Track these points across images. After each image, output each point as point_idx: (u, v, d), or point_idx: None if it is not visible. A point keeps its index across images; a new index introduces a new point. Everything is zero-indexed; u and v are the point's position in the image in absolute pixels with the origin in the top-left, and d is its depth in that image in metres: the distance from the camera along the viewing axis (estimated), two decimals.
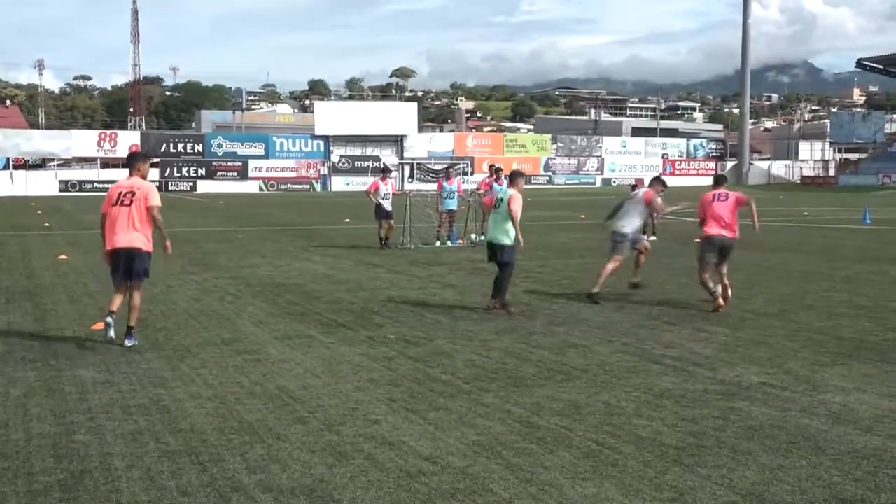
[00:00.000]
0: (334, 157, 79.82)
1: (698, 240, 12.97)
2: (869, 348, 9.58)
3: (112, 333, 9.69)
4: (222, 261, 18.64)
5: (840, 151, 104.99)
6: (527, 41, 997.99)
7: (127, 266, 9.75)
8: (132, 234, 9.71)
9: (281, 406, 7.24)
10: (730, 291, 12.58)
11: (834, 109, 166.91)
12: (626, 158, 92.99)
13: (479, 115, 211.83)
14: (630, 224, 13.73)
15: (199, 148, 76.37)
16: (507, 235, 12.03)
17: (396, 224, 22.26)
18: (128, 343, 9.70)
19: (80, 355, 9.26)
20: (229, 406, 7.25)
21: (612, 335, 10.37)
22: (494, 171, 23.12)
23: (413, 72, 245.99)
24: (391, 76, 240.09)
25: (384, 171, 23.75)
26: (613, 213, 14.27)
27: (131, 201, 9.73)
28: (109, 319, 9.74)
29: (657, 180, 14.61)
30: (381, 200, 21.85)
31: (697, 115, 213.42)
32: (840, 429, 6.60)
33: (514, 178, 12.52)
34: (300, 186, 76.94)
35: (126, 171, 10.22)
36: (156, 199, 9.83)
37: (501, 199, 12.23)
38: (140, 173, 10.03)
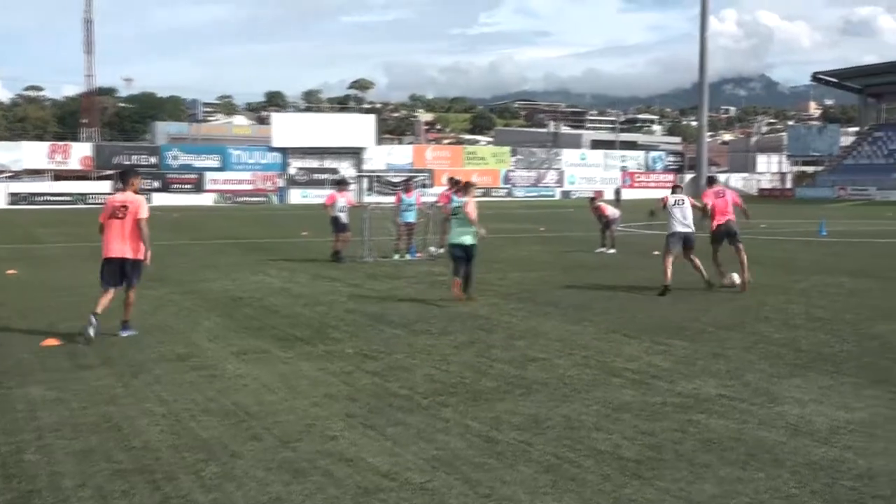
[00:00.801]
0: (291, 170, 79.46)
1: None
2: (825, 360, 9.71)
3: (92, 332, 10.57)
4: (177, 275, 18.46)
5: (797, 164, 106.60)
6: (485, 53, 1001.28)
7: (121, 273, 10.98)
8: (124, 245, 10.92)
9: (236, 422, 7.18)
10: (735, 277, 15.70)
11: (790, 123, 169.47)
12: (586, 171, 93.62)
13: (438, 127, 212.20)
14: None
15: (153, 160, 75.69)
16: (471, 236, 14.41)
17: (355, 237, 22.21)
18: (124, 334, 10.93)
19: (30, 372, 9.11)
20: (183, 423, 7.17)
21: (571, 348, 10.41)
22: (454, 183, 23.16)
23: (371, 83, 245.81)
24: (349, 88, 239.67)
25: (341, 184, 23.71)
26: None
27: (124, 215, 10.92)
28: (92, 318, 10.66)
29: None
30: (337, 213, 21.81)
31: (656, 127, 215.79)
32: (797, 441, 6.68)
33: (467, 187, 15.34)
34: (257, 199, 76.47)
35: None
36: (144, 213, 10.95)
37: (458, 208, 14.67)
38: (133, 188, 11.19)
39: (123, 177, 11.50)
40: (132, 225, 10.91)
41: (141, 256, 10.98)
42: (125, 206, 10.96)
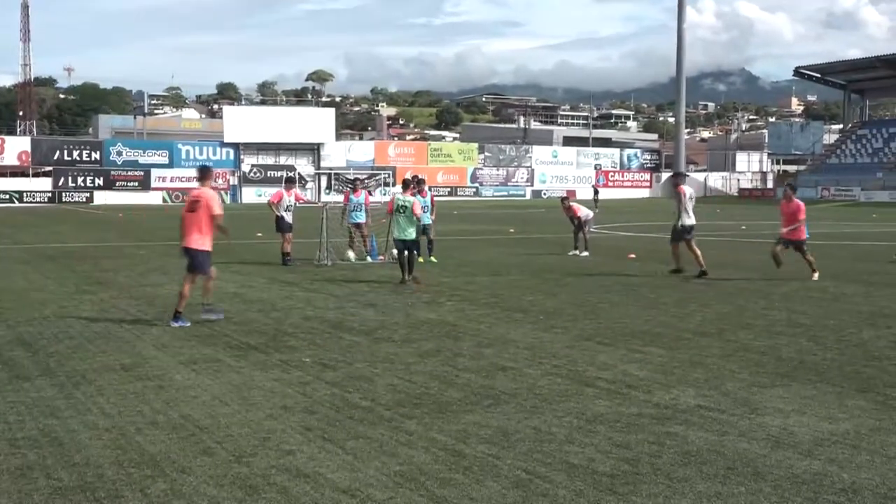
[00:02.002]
0: (245, 167, 79.18)
1: None
2: (808, 368, 9.82)
3: (213, 317, 12.84)
4: (122, 279, 18.31)
5: (778, 163, 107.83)
6: (451, 45, 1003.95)
7: (191, 261, 12.80)
8: (194, 237, 12.71)
9: (186, 436, 7.13)
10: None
11: (772, 119, 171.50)
12: (558, 169, 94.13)
13: (401, 122, 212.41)
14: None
15: (96, 156, 75.09)
16: (415, 231, 17.54)
17: (313, 239, 22.15)
18: (212, 317, 12.83)
19: None
20: (129, 437, 7.11)
21: (542, 357, 10.45)
22: (416, 182, 23.20)
23: (330, 75, 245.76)
24: (307, 80, 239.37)
25: (289, 182, 23.71)
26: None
27: (197, 209, 12.72)
28: (204, 307, 12.91)
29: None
30: (283, 213, 21.77)
31: (631, 123, 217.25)
32: (779, 453, 6.75)
33: (419, 185, 18.64)
34: None
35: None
36: (217, 209, 12.75)
37: (404, 206, 17.41)
38: (208, 184, 13.29)
39: (201, 173, 13.68)
40: (205, 218, 12.64)
41: (208, 248, 12.79)
42: (198, 201, 12.76)
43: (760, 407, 8.13)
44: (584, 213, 24.77)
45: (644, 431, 7.32)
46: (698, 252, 18.74)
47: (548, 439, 7.09)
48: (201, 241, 12.77)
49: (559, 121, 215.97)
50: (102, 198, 72.23)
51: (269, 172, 78.74)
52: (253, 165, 79.33)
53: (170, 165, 76.59)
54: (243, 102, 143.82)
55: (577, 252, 24.04)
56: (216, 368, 9.75)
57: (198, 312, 12.84)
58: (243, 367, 9.85)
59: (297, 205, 22.63)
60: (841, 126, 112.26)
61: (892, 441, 7.06)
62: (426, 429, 7.38)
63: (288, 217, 21.83)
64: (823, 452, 6.77)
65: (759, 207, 68.47)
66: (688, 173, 19.62)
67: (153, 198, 73.48)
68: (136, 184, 74.71)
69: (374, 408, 8.07)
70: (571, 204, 25.02)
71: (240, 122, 79.07)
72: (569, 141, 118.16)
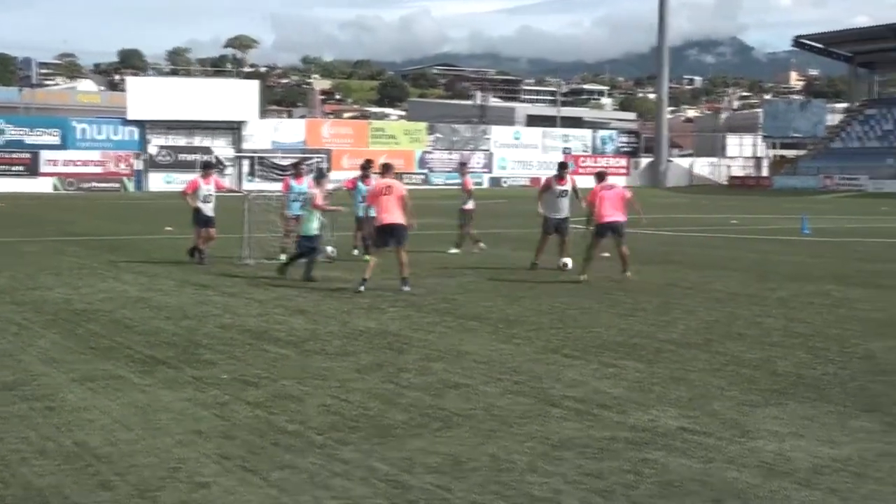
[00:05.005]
0: (152, 149, 78.41)
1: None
2: (807, 385, 9.96)
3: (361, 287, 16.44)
4: (3, 281, 18.09)
5: (775, 147, 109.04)
6: (395, 6, 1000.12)
7: (392, 236, 17.03)
8: (392, 215, 16.95)
9: (81, 467, 7.07)
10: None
11: (767, 96, 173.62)
12: (521, 153, 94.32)
13: (337, 97, 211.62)
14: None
15: None
16: (317, 226, 18.91)
17: (234, 234, 22.04)
18: (406, 289, 16.61)
19: None
20: (12, 468, 7.04)
21: (501, 372, 10.49)
22: (362, 167, 23.22)
23: (254, 42, 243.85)
24: (226, 47, 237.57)
25: (206, 167, 23.57)
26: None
27: (390, 192, 17.14)
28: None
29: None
30: (200, 204, 21.62)
31: (606, 100, 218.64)
32: (774, 482, 6.84)
33: (319, 179, 19.80)
34: (108, 185, 75.29)
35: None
36: (404, 190, 17.47)
37: (305, 199, 19.37)
38: (391, 175, 17.71)
39: (384, 167, 18.15)
40: (397, 201, 17.03)
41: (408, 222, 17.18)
42: (390, 187, 17.22)
43: (752, 429, 8.23)
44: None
45: (618, 458, 7.37)
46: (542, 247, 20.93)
47: (507, 468, 7.12)
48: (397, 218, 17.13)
49: (522, 97, 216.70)
50: None
51: (180, 155, 77.99)
52: (161, 147, 78.57)
53: (62, 147, 75.56)
54: (150, 73, 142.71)
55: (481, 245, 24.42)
56: (117, 387, 9.67)
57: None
58: (149, 385, 9.78)
59: (219, 194, 22.45)
60: (846, 105, 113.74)
61: None
62: (365, 457, 7.38)
63: (207, 209, 21.66)
64: (824, 481, 6.87)
65: (752, 199, 69.26)
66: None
67: (42, 184, 72.45)
68: (22, 168, 73.60)
69: (303, 432, 8.06)
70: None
71: (146, 97, 78.21)
72: (533, 120, 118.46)
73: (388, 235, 17.04)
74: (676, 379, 10.19)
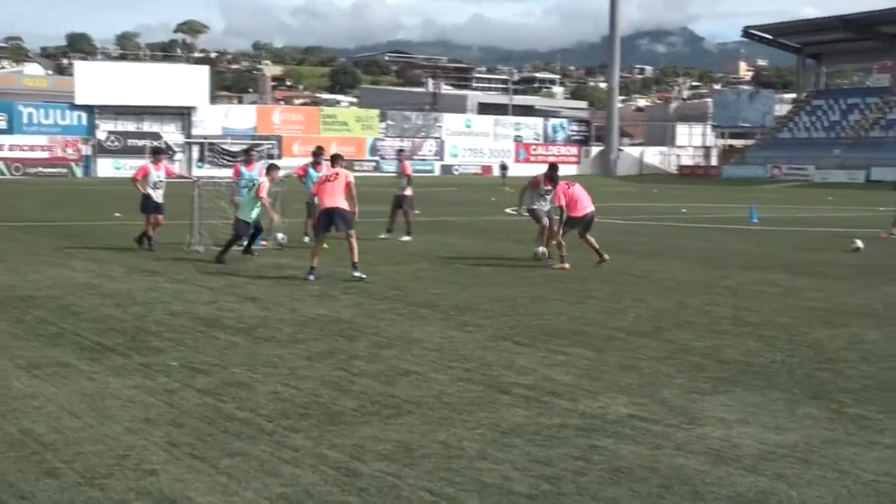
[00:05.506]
0: (101, 134, 77.77)
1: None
2: (755, 372, 10.05)
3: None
4: None
5: (724, 137, 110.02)
6: None
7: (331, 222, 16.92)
8: (337, 198, 16.88)
9: (26, 455, 6.99)
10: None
11: (717, 87, 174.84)
12: (472, 141, 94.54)
13: (288, 83, 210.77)
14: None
15: None
16: (255, 214, 19.36)
17: (183, 220, 21.89)
18: (356, 274, 16.44)
19: None
20: None
21: (451, 359, 10.50)
22: (313, 154, 23.18)
23: (204, 27, 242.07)
24: (175, 32, 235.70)
25: (156, 153, 23.39)
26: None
27: (336, 179, 17.04)
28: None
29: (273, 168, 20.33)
30: (150, 190, 21.45)
31: (557, 89, 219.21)
32: (721, 469, 6.89)
33: (270, 170, 20.02)
34: (55, 171, 74.56)
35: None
36: (351, 178, 17.28)
37: (253, 184, 19.74)
38: (340, 165, 17.64)
39: (332, 158, 18.12)
40: (343, 188, 16.90)
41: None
42: (337, 174, 17.17)
43: (700, 416, 8.29)
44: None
45: (568, 445, 7.40)
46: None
47: (457, 455, 7.13)
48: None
49: (474, 84, 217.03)
50: None
51: (129, 141, 77.46)
52: (110, 133, 77.93)
53: (8, 131, 74.74)
54: (99, 57, 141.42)
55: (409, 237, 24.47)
56: (64, 374, 9.57)
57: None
58: (97, 372, 9.70)
59: (169, 180, 22.29)
60: (794, 95, 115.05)
61: (847, 454, 7.27)
62: (315, 444, 7.36)
63: (156, 195, 21.49)
64: (770, 467, 6.94)
65: (701, 188, 69.82)
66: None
67: None
68: None
69: (253, 420, 8.02)
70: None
71: (94, 81, 77.52)
72: (485, 108, 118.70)
73: (330, 219, 16.87)
74: (626, 366, 10.25)
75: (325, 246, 21.50)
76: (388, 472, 6.73)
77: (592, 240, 19.27)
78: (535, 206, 20.15)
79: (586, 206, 19.20)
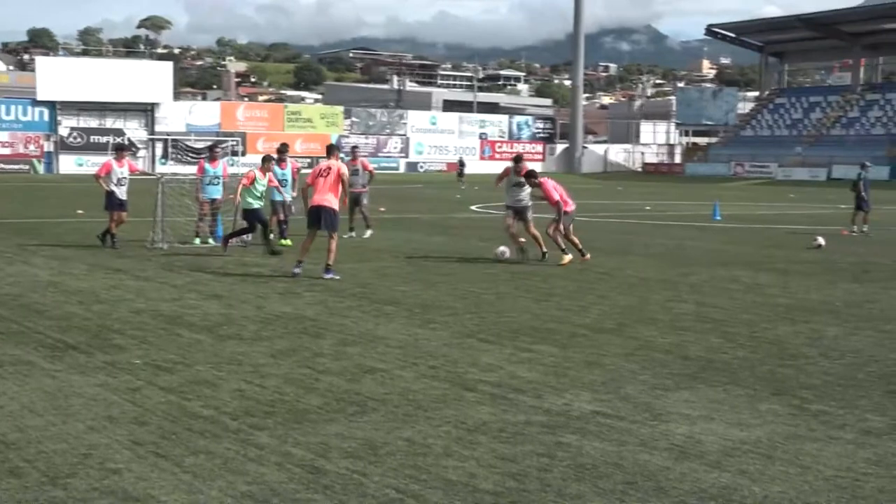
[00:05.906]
0: (63, 130, 77.15)
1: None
2: (718, 369, 10.12)
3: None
4: None
5: (687, 134, 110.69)
6: None
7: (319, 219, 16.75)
8: (327, 197, 16.69)
9: None
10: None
11: (681, 84, 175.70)
12: (437, 138, 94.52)
13: (252, 79, 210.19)
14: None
15: None
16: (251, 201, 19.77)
17: (146, 217, 21.76)
18: (328, 276, 16.29)
19: None
20: None
21: (416, 356, 10.50)
22: (278, 150, 23.10)
23: (168, 23, 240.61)
24: (139, 27, 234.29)
25: (119, 149, 23.25)
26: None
27: (328, 174, 16.81)
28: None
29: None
30: (114, 187, 21.33)
31: (522, 86, 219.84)
32: (684, 465, 6.94)
33: (265, 161, 20.27)
34: (16, 167, 73.92)
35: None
36: (344, 170, 17.24)
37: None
38: (335, 157, 17.43)
39: (327, 149, 18.07)
40: (335, 184, 16.70)
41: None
42: (329, 168, 16.84)
43: (664, 413, 8.34)
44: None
45: (532, 442, 7.43)
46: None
47: (422, 452, 7.14)
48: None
49: (439, 82, 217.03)
50: None
51: (92, 137, 76.90)
52: (73, 129, 77.33)
53: None
54: (61, 53, 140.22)
55: (370, 231, 24.42)
56: (25, 372, 9.50)
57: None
58: (59, 370, 9.63)
59: (132, 177, 22.16)
60: (757, 94, 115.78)
61: (809, 450, 7.34)
62: (280, 442, 7.35)
63: (120, 192, 21.36)
64: (733, 463, 6.99)
65: (665, 185, 70.15)
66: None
67: None
68: None
69: (217, 417, 7.99)
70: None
71: (56, 77, 76.88)
72: (450, 105, 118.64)
73: (317, 217, 16.74)
74: (590, 363, 10.29)
75: (287, 242, 21.52)
76: (353, 469, 6.73)
77: (560, 238, 19.38)
78: (507, 203, 20.24)
79: (570, 201, 19.62)
